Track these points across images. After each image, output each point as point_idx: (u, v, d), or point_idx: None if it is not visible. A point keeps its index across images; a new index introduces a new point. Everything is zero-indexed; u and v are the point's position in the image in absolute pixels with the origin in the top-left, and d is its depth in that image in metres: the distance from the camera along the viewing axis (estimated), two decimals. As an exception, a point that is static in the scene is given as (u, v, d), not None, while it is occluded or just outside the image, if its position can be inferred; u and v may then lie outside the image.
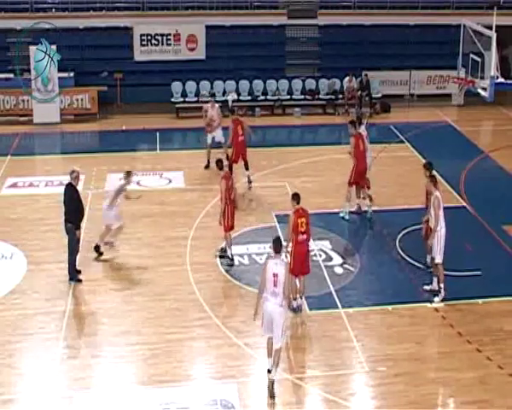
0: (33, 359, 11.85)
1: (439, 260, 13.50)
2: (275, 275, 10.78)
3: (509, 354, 12.08)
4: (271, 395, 10.82)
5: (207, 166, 20.02)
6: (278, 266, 10.86)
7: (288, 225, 12.97)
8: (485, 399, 10.97)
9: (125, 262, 14.98)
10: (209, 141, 20.15)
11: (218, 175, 15.07)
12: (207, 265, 14.83)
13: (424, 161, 16.11)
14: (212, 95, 21.69)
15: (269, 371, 11.01)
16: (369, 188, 17.22)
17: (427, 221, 13.99)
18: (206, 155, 20.07)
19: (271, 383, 10.86)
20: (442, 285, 13.50)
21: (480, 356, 12.01)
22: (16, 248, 15.37)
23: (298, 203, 13.01)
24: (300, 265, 13.01)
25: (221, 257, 15.02)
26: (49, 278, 14.25)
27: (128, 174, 15.29)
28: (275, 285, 10.78)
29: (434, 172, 14.29)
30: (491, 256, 15.43)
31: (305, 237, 12.93)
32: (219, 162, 14.92)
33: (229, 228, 14.80)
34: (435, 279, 13.73)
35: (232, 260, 14.85)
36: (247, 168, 18.93)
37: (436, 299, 13.49)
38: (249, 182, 18.84)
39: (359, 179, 16.91)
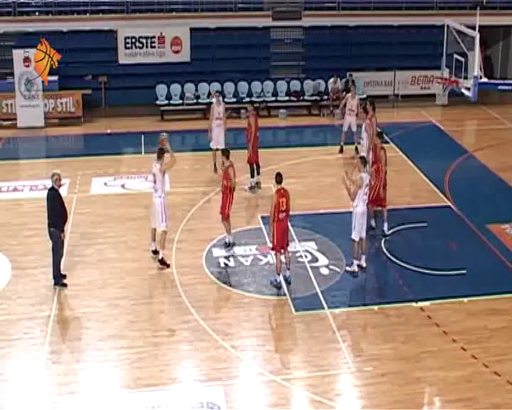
0: (18, 364, 11.79)
1: (353, 236, 14.25)
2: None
3: (493, 352, 12.15)
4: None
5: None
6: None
7: (271, 204, 13.81)
8: (471, 397, 11.03)
9: (110, 266, 14.91)
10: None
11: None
12: (193, 267, 14.80)
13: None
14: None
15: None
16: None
17: (374, 187, 15.51)
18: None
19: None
20: (355, 262, 14.31)
21: (465, 355, 12.08)
22: (0, 254, 15.27)
23: (279, 183, 13.91)
24: (282, 240, 13.90)
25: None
26: (34, 282, 14.17)
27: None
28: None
29: (364, 155, 15.77)
30: (476, 255, 15.52)
31: (284, 214, 13.82)
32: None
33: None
34: (356, 262, 14.43)
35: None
36: (258, 172, 18.88)
37: (347, 268, 14.40)
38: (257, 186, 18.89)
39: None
